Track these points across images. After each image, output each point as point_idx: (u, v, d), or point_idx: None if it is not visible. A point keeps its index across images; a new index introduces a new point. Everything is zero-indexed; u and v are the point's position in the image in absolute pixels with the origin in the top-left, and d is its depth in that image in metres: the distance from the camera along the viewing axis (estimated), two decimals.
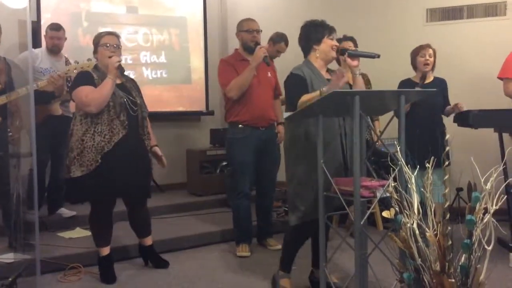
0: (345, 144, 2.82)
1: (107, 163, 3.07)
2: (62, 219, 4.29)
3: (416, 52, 4.02)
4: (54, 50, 4.29)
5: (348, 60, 2.85)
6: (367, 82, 4.22)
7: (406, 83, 4.05)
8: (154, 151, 3.42)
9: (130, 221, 3.48)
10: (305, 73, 2.83)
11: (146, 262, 3.57)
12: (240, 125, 3.77)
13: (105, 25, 5.32)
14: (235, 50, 3.99)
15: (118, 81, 3.24)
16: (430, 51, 3.98)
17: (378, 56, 2.83)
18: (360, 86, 2.94)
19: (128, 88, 3.29)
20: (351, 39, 4.11)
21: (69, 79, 4.12)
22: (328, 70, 3.00)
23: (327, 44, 2.88)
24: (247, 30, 3.83)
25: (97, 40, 3.25)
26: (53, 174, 4.33)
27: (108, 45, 3.21)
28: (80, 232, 4.09)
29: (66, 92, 4.15)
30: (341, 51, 2.89)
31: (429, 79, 4.06)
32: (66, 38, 4.40)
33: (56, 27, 4.30)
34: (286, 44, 4.71)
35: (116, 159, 3.08)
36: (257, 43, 3.73)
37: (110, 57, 3.14)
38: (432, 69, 4.11)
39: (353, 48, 2.85)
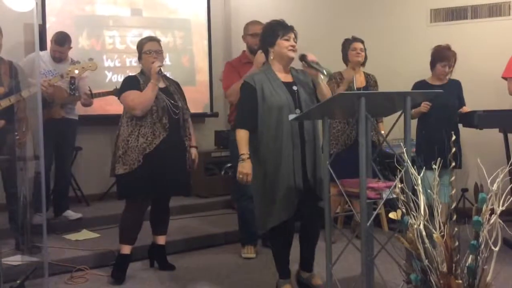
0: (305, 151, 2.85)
1: (148, 163, 3.19)
2: (68, 222, 4.30)
3: (439, 59, 4.00)
4: (56, 59, 4.27)
5: (305, 67, 2.87)
6: (374, 83, 4.22)
7: (420, 85, 4.05)
8: (190, 151, 3.49)
9: (152, 215, 3.53)
10: (255, 80, 2.85)
11: (153, 263, 3.58)
12: None
13: (109, 28, 5.34)
14: (243, 52, 4.01)
15: (162, 85, 3.36)
16: (453, 60, 3.97)
17: (327, 75, 2.86)
18: (323, 93, 2.92)
19: (171, 92, 3.41)
20: (361, 41, 4.11)
21: (72, 81, 4.13)
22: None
23: (281, 46, 2.86)
24: (252, 34, 3.85)
25: (141, 47, 3.37)
26: (58, 177, 4.34)
27: (150, 51, 3.32)
28: (86, 234, 4.11)
29: (68, 95, 4.16)
30: (300, 57, 2.88)
31: (444, 80, 4.07)
32: (71, 47, 4.36)
33: (60, 42, 4.22)
34: None
35: (157, 160, 3.21)
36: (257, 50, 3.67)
37: (152, 62, 3.25)
38: (451, 72, 4.10)
39: (312, 59, 2.84)
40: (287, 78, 2.93)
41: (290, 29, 2.89)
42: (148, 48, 3.33)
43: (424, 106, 3.91)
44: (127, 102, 3.24)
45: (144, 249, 3.62)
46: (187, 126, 3.44)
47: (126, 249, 3.32)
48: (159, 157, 3.21)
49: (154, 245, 3.56)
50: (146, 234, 3.56)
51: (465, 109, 4.05)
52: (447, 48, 4.01)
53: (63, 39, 4.25)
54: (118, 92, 3.37)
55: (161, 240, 3.54)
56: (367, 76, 4.18)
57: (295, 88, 2.90)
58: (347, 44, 4.15)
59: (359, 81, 4.04)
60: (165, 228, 3.57)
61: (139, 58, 3.40)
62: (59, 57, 4.27)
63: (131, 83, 3.31)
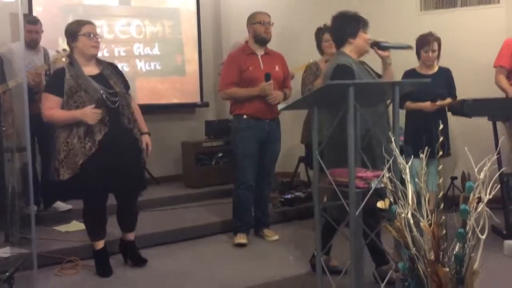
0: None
1: (95, 163, 3.04)
2: (57, 213, 4.29)
3: (421, 45, 4.00)
4: (32, 44, 4.15)
5: (380, 51, 2.89)
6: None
7: (410, 73, 4.05)
8: (141, 139, 3.31)
9: (118, 213, 3.38)
10: (351, 63, 2.82)
11: (126, 258, 3.47)
12: (244, 116, 3.80)
13: (97, 17, 5.27)
14: (245, 42, 3.98)
15: (95, 71, 3.19)
16: (435, 45, 3.97)
17: (410, 47, 2.90)
18: (390, 75, 2.97)
19: (106, 77, 3.19)
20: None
21: (47, 72, 4.06)
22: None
23: (362, 38, 2.88)
24: (260, 22, 3.83)
25: (77, 29, 3.14)
26: (45, 168, 4.31)
27: (91, 35, 3.15)
28: (76, 226, 4.09)
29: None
30: (373, 44, 2.90)
31: (434, 69, 4.07)
32: (43, 31, 4.27)
33: (33, 20, 4.18)
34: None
35: (103, 157, 3.05)
36: (268, 77, 3.72)
37: (92, 46, 3.12)
38: (438, 58, 4.10)
39: (385, 40, 2.88)
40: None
41: (368, 23, 2.93)
42: (89, 31, 3.13)
43: (432, 105, 3.93)
44: (43, 107, 3.11)
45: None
46: (130, 112, 3.22)
47: (99, 244, 3.27)
48: (104, 154, 3.04)
49: (123, 241, 3.44)
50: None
51: (444, 101, 4.06)
52: (429, 34, 4.01)
53: (33, 18, 4.22)
54: (44, 86, 3.19)
55: (129, 236, 3.41)
56: None
57: (370, 77, 2.92)
58: (320, 34, 4.12)
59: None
60: (132, 225, 3.40)
61: (72, 41, 3.15)
62: (35, 38, 4.16)
63: (56, 80, 3.11)
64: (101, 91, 3.09)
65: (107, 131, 3.07)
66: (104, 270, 3.26)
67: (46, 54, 4.21)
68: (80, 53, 3.16)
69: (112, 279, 3.22)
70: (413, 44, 4.14)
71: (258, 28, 3.84)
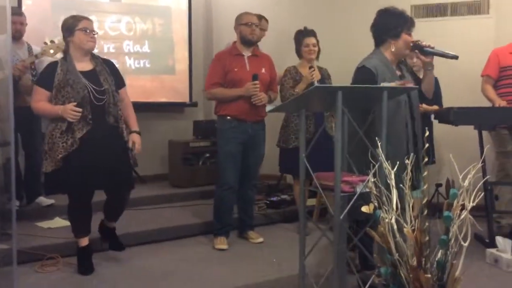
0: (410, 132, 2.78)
1: (75, 159, 3.04)
2: (40, 208, 4.25)
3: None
4: (16, 36, 4.08)
5: (421, 56, 2.79)
6: (328, 76, 4.25)
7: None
8: (130, 137, 3.28)
9: (105, 203, 3.35)
10: (377, 67, 2.72)
11: (105, 240, 3.47)
12: (228, 117, 3.78)
13: (88, 12, 5.19)
14: (233, 43, 3.96)
15: (88, 67, 3.20)
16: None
17: (457, 58, 2.76)
18: (429, 81, 2.89)
19: (97, 73, 3.18)
20: (313, 34, 4.12)
21: (33, 66, 4.03)
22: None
23: (405, 41, 2.77)
24: (246, 23, 3.81)
25: (75, 24, 3.15)
26: (28, 163, 4.26)
27: (88, 30, 3.16)
28: (58, 222, 4.05)
29: (30, 81, 4.06)
30: (414, 47, 2.78)
31: (420, 75, 4.09)
32: (27, 24, 4.22)
33: (18, 12, 4.14)
34: (267, 21, 4.74)
35: (83, 154, 3.04)
36: (256, 78, 3.69)
37: (88, 41, 3.14)
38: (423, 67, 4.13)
39: (429, 45, 2.80)
40: (397, 71, 2.85)
41: (414, 23, 2.80)
42: (85, 26, 3.15)
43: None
44: (32, 99, 3.17)
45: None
46: (117, 110, 3.19)
47: (83, 241, 3.25)
48: (85, 151, 3.04)
49: (104, 227, 3.46)
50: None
51: (430, 107, 4.11)
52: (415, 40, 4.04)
53: (18, 9, 4.19)
54: (36, 79, 3.22)
55: (112, 224, 3.45)
56: (320, 69, 4.18)
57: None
58: (300, 38, 4.12)
59: (315, 75, 4.03)
60: (116, 217, 3.42)
61: (68, 36, 3.15)
62: (19, 30, 4.10)
63: (47, 73, 3.13)
64: (88, 88, 3.09)
65: (90, 129, 3.07)
66: (86, 268, 3.23)
67: (29, 48, 4.17)
68: (76, 47, 3.17)
69: (93, 277, 3.18)
70: None
71: (244, 29, 3.82)
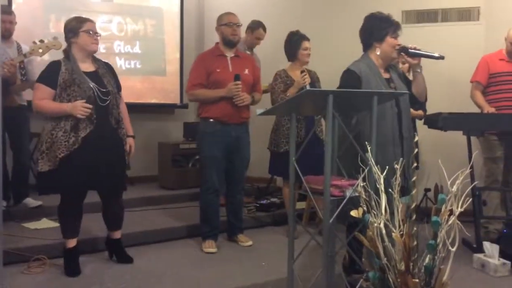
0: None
1: (76, 158, 3.03)
2: (27, 209, 4.19)
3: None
4: (6, 35, 4.04)
5: (408, 58, 2.81)
6: (317, 80, 4.25)
7: None
8: (127, 141, 3.33)
9: (103, 212, 3.42)
10: (362, 70, 2.76)
11: (112, 255, 3.52)
12: (211, 120, 3.75)
13: (79, 12, 5.18)
14: (216, 44, 3.93)
15: (91, 69, 3.21)
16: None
17: (443, 58, 2.81)
18: (420, 83, 2.91)
19: (100, 75, 3.22)
20: (308, 39, 4.12)
21: (22, 65, 4.00)
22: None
23: (389, 44, 2.80)
24: (226, 23, 3.78)
25: (79, 25, 3.17)
26: (16, 164, 4.21)
27: (91, 32, 3.18)
28: (46, 223, 4.01)
29: (19, 81, 4.02)
30: (400, 50, 2.81)
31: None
32: (16, 23, 4.18)
33: (7, 10, 4.10)
34: (264, 30, 4.73)
35: (85, 154, 3.04)
36: (238, 78, 3.67)
37: (93, 44, 3.16)
38: (409, 70, 4.16)
39: (414, 47, 2.83)
40: (385, 75, 2.88)
41: (400, 27, 2.83)
42: (90, 28, 3.17)
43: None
44: (34, 97, 3.11)
45: (101, 240, 3.56)
46: (118, 112, 3.25)
47: (71, 243, 3.23)
48: (86, 151, 3.04)
49: (110, 239, 3.48)
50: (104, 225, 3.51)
51: (415, 112, 4.15)
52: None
53: (8, 8, 4.14)
54: (39, 77, 3.17)
55: (116, 234, 3.45)
56: (309, 72, 4.16)
57: (392, 85, 2.86)
58: (298, 41, 4.08)
59: (307, 79, 4.03)
60: (119, 223, 3.44)
61: (72, 37, 3.15)
62: (9, 28, 4.06)
63: (51, 72, 3.10)
64: (94, 89, 3.11)
65: (93, 129, 3.09)
66: (73, 269, 3.21)
67: (19, 48, 4.13)
68: (79, 49, 3.18)
69: (79, 279, 3.16)
70: None
71: (225, 30, 3.78)
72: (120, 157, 3.26)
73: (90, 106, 3.06)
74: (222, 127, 3.74)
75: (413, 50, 2.82)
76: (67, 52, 3.19)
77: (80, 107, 3.02)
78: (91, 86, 3.11)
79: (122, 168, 3.30)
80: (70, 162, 3.03)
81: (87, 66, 3.20)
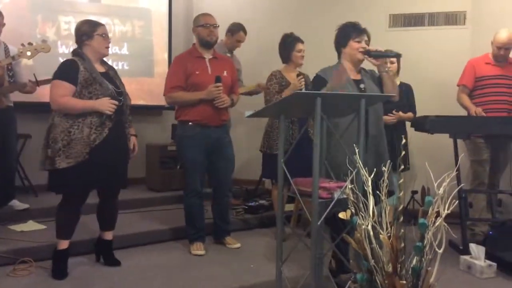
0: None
1: (96, 155, 3.06)
2: (14, 212, 4.15)
3: None
4: None
5: (371, 60, 2.97)
6: (310, 83, 4.26)
7: None
8: (131, 140, 3.38)
9: (98, 211, 3.41)
10: (327, 73, 2.95)
11: (99, 257, 3.48)
12: (190, 123, 3.71)
13: (66, 13, 5.17)
14: (193, 45, 3.88)
15: (102, 69, 3.25)
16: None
17: (399, 55, 3.05)
18: (388, 83, 3.04)
19: (112, 77, 3.27)
20: (302, 41, 4.14)
21: (9, 67, 3.96)
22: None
23: (352, 47, 2.97)
24: (203, 25, 3.74)
25: (93, 28, 3.19)
26: (3, 166, 4.16)
27: (104, 35, 3.22)
28: (32, 225, 3.97)
29: (7, 82, 3.98)
30: (364, 52, 2.97)
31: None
32: (4, 24, 4.11)
33: None
34: (245, 33, 4.73)
35: (103, 151, 3.08)
36: (219, 80, 3.65)
37: (106, 47, 3.23)
38: (397, 73, 4.20)
39: (376, 49, 2.98)
40: (357, 76, 3.02)
41: (364, 31, 2.99)
42: (104, 32, 3.22)
43: (391, 117, 4.08)
44: (55, 94, 3.04)
45: (90, 242, 3.53)
46: (128, 113, 3.35)
47: (64, 244, 3.20)
48: (104, 148, 3.08)
49: (101, 240, 3.47)
50: (94, 227, 3.48)
51: (404, 114, 4.20)
52: None
53: None
54: (54, 74, 3.14)
55: (108, 235, 3.45)
56: (302, 75, 4.19)
57: (362, 86, 2.98)
58: (292, 43, 4.09)
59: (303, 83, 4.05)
60: (113, 224, 3.46)
61: (87, 39, 3.17)
62: None
63: (69, 70, 3.08)
64: (112, 88, 3.17)
65: (111, 127, 3.15)
66: (60, 271, 3.18)
67: (6, 49, 4.08)
68: (93, 51, 3.20)
69: (66, 282, 3.13)
70: None
71: (202, 31, 3.74)
72: (126, 156, 3.34)
73: (116, 102, 3.12)
74: (201, 130, 3.70)
75: (373, 52, 2.97)
76: (79, 53, 3.18)
77: (108, 103, 3.08)
78: (109, 85, 3.16)
79: (126, 167, 3.37)
80: (90, 160, 3.05)
81: (98, 67, 3.24)
